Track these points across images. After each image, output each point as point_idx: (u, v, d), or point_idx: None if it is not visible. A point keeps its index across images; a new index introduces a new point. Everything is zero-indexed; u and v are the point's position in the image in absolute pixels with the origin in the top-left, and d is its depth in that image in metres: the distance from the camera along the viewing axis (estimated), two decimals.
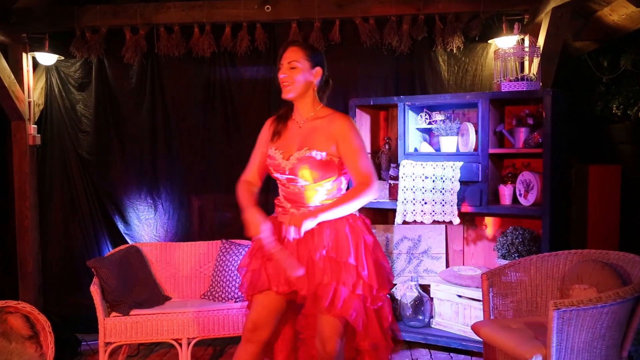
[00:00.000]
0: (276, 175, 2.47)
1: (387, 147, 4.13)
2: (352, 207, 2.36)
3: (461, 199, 3.62)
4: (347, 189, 2.49)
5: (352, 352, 2.53)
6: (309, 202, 2.43)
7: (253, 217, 2.33)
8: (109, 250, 4.31)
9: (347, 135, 2.39)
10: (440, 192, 3.65)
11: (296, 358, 2.63)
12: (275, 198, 2.58)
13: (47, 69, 4.46)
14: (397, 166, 3.80)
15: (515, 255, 3.56)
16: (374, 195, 2.37)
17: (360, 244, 2.38)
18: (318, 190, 2.42)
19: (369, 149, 4.14)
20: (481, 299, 3.07)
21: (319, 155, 2.38)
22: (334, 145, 2.40)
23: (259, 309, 2.44)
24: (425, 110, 3.90)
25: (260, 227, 2.29)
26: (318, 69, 2.46)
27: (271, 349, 2.60)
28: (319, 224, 2.31)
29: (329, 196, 2.44)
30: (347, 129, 2.40)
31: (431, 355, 3.76)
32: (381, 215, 4.27)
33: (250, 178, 2.57)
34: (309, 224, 2.25)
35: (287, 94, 2.44)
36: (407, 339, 3.85)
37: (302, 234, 2.24)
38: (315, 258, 2.33)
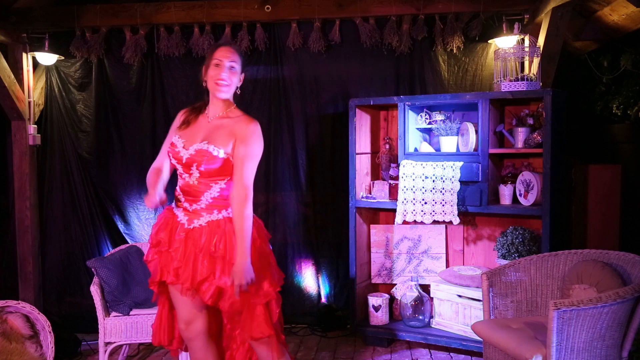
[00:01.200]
0: (174, 162, 2.53)
1: (387, 147, 4.13)
2: (249, 226, 2.39)
3: (461, 199, 3.62)
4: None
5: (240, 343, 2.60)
6: (201, 197, 2.47)
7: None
8: (109, 250, 4.31)
9: (247, 138, 2.44)
10: (440, 192, 3.65)
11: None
12: (175, 190, 2.60)
13: (47, 68, 4.46)
14: (397, 166, 3.80)
15: (515, 255, 3.56)
16: (251, 208, 2.42)
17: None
18: (211, 187, 2.46)
19: (369, 149, 4.14)
20: (481, 299, 3.07)
21: (216, 151, 2.42)
22: (232, 144, 2.44)
23: (180, 305, 2.52)
24: (425, 110, 3.89)
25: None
26: (243, 75, 2.57)
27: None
28: (209, 226, 2.43)
29: (222, 195, 2.46)
30: (249, 132, 2.45)
31: (431, 355, 3.76)
32: (381, 215, 4.27)
33: (159, 165, 2.64)
34: (249, 269, 2.34)
35: (224, 94, 2.50)
36: (407, 339, 3.86)
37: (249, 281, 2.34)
38: (199, 256, 2.41)
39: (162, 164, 2.63)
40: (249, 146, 2.44)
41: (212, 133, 2.48)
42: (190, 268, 2.41)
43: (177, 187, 2.57)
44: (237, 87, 2.56)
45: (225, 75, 2.46)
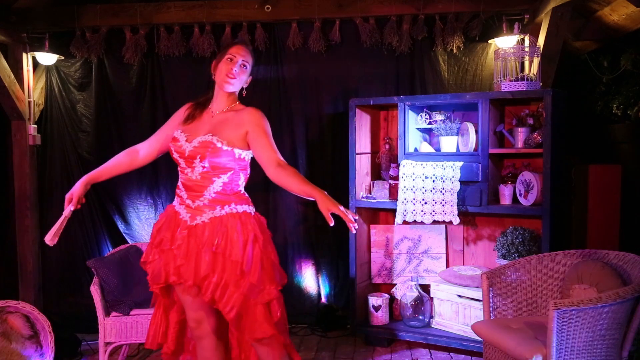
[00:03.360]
0: (175, 156, 2.53)
1: (387, 147, 4.13)
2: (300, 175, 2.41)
3: (461, 199, 3.62)
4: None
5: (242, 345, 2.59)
6: (204, 192, 2.47)
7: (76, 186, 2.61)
8: (109, 250, 4.31)
9: (260, 121, 2.49)
10: (440, 192, 3.65)
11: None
12: (177, 187, 2.60)
13: (47, 68, 4.46)
14: (397, 166, 3.81)
15: (515, 255, 3.56)
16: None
17: (249, 241, 2.42)
18: (214, 181, 2.47)
19: (369, 149, 4.14)
20: (481, 299, 3.07)
21: (220, 143, 2.44)
22: (243, 134, 2.47)
23: (190, 305, 2.52)
24: (425, 110, 3.89)
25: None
26: (251, 78, 2.62)
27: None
28: (212, 222, 2.43)
29: (225, 189, 2.48)
30: (259, 117, 2.50)
31: (431, 355, 3.76)
32: (381, 215, 4.27)
33: (141, 146, 2.70)
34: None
35: (231, 88, 2.54)
36: (407, 339, 3.86)
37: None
38: (202, 253, 2.40)
39: (143, 147, 2.68)
40: (264, 127, 2.48)
41: (217, 126, 2.50)
42: (193, 266, 2.40)
43: (179, 184, 2.56)
44: (243, 88, 2.60)
45: (236, 70, 2.50)
